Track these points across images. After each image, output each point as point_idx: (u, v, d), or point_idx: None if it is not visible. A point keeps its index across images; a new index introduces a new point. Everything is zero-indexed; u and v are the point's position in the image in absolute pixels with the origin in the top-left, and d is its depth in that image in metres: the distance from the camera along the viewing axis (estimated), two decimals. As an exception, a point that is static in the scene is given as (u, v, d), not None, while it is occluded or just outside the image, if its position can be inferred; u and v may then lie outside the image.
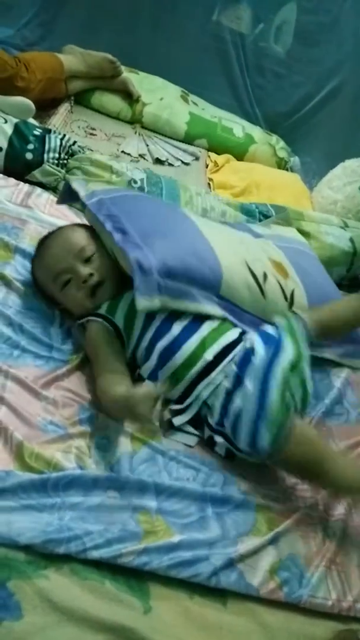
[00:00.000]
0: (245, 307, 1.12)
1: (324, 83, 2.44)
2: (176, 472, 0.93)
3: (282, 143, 2.29)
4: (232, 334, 1.05)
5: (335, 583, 0.86)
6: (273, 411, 0.91)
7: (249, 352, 0.99)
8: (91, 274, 1.05)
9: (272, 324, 1.07)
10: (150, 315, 1.03)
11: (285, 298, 1.16)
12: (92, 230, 1.13)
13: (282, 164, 2.24)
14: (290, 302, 1.16)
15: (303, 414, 1.00)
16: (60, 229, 1.15)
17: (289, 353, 0.97)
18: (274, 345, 0.99)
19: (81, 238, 1.10)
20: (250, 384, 0.95)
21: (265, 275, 1.13)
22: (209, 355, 1.01)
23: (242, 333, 1.07)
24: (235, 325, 1.09)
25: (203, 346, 1.01)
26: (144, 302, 0.98)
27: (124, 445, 0.92)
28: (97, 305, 1.06)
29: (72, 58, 1.95)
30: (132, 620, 0.72)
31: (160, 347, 1.01)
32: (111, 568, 0.77)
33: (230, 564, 0.82)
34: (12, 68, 1.71)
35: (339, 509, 0.97)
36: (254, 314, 1.13)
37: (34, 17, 2.21)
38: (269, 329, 1.05)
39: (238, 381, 0.97)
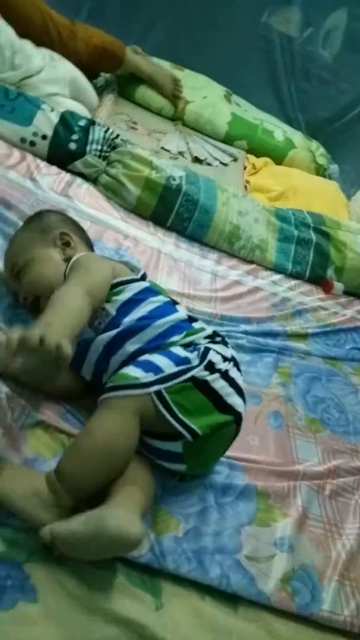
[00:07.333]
0: None
1: (370, 92, 2.42)
2: None
3: (322, 150, 2.27)
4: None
5: (348, 599, 0.85)
6: None
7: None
8: (25, 298, 0.99)
9: None
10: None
11: None
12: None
13: (320, 171, 2.22)
14: None
15: None
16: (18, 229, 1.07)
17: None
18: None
19: (19, 247, 1.01)
20: None
21: None
22: None
23: None
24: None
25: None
26: None
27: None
28: None
29: (140, 57, 2.00)
30: (143, 616, 0.72)
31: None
32: (125, 561, 0.77)
33: (239, 566, 0.82)
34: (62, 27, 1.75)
35: (355, 522, 0.95)
36: None
37: (83, 9, 2.22)
38: None
39: None
